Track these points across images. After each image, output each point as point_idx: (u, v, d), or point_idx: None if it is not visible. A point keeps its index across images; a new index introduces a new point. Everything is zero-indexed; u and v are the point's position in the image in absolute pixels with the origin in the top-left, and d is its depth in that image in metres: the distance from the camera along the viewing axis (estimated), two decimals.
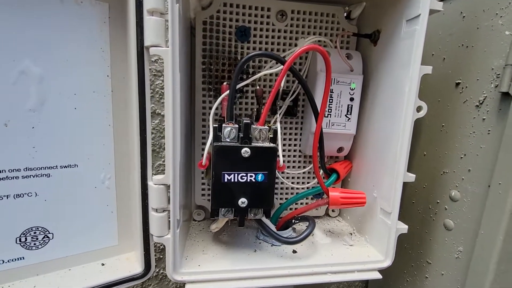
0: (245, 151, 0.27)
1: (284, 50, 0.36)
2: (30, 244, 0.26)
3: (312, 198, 0.40)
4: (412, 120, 0.28)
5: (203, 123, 0.36)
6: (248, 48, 0.35)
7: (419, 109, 0.29)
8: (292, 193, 0.39)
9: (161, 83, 0.44)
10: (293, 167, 0.39)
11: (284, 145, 0.38)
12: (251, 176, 0.27)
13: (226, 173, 0.27)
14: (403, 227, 0.31)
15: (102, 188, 0.29)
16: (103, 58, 0.27)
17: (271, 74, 0.35)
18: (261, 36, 0.35)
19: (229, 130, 0.27)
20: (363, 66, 0.35)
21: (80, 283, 0.27)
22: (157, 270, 0.50)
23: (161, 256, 0.49)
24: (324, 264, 0.31)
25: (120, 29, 0.27)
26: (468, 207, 0.31)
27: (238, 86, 0.30)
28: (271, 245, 0.34)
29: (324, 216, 0.42)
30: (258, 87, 0.34)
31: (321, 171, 0.36)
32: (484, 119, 0.30)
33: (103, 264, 0.29)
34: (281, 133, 0.37)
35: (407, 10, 0.28)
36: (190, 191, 0.38)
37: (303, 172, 0.39)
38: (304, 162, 0.39)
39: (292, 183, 0.39)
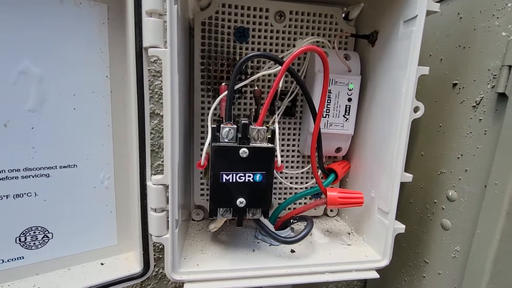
0: (243, 152, 0.27)
1: (282, 51, 0.36)
2: (29, 243, 0.26)
3: (310, 198, 0.40)
4: (409, 121, 0.28)
5: (202, 124, 0.36)
6: (246, 49, 0.35)
7: (416, 109, 0.29)
8: (290, 193, 0.40)
9: (160, 84, 0.44)
10: (292, 167, 0.39)
11: (282, 145, 0.38)
12: (249, 176, 0.27)
13: (225, 173, 0.27)
14: (401, 227, 0.31)
15: (101, 188, 0.29)
16: (102, 59, 0.27)
17: (269, 75, 0.36)
18: (259, 37, 0.35)
19: (227, 130, 0.27)
20: (361, 66, 0.35)
21: (80, 282, 0.27)
22: (156, 269, 0.50)
23: (160, 256, 0.49)
24: (322, 264, 0.31)
25: (119, 30, 0.27)
26: (465, 207, 0.32)
27: (237, 86, 0.30)
28: (270, 245, 0.34)
29: (322, 216, 0.42)
30: (256, 88, 0.34)
31: (319, 171, 0.36)
32: (480, 119, 0.30)
33: (102, 264, 0.30)
34: (279, 133, 0.37)
35: (404, 11, 0.29)
36: (189, 191, 0.38)
37: (302, 172, 0.39)
38: (303, 162, 0.39)
39: (291, 183, 0.39)
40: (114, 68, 0.28)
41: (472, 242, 0.30)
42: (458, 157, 0.33)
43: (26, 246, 0.26)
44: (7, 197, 0.25)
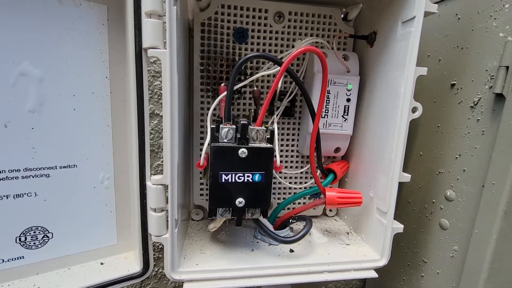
0: (242, 152, 0.27)
1: (281, 51, 0.36)
2: (29, 243, 0.26)
3: (309, 198, 0.40)
4: (408, 121, 0.29)
5: (201, 124, 0.36)
6: (246, 49, 0.35)
7: (414, 110, 0.29)
8: (289, 193, 0.40)
9: (159, 84, 0.44)
10: (291, 167, 0.39)
11: (281, 145, 0.38)
12: (248, 176, 0.27)
13: (224, 173, 0.27)
14: (399, 227, 0.31)
15: (101, 188, 0.29)
16: (101, 60, 0.27)
17: (268, 75, 0.36)
18: (258, 38, 0.35)
19: (227, 130, 0.27)
20: (359, 67, 0.35)
21: (79, 282, 0.27)
22: (156, 269, 0.50)
23: (160, 255, 0.49)
24: (321, 263, 0.31)
25: (119, 31, 0.27)
26: (463, 207, 0.32)
27: (236, 87, 0.31)
28: (269, 245, 0.34)
29: (321, 216, 0.43)
30: (255, 88, 0.34)
31: (318, 171, 0.36)
32: (478, 119, 0.30)
33: (102, 263, 0.30)
34: (278, 133, 0.38)
35: (402, 12, 0.29)
36: (189, 191, 0.38)
37: (301, 172, 0.39)
38: (302, 162, 0.40)
39: (290, 183, 0.39)
40: (114, 69, 0.28)
41: (470, 241, 0.30)
42: (456, 157, 0.33)
43: (26, 246, 0.26)
44: (7, 197, 0.25)
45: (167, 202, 0.27)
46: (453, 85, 0.33)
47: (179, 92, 0.27)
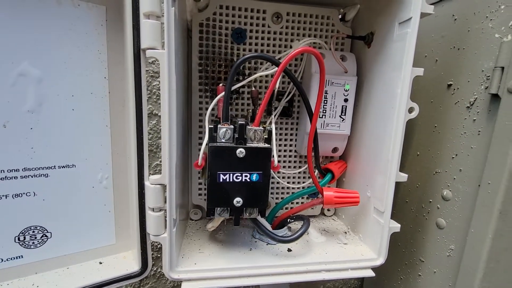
0: (240, 152, 0.27)
1: (279, 52, 0.36)
2: (28, 243, 0.27)
3: (307, 198, 0.41)
4: (404, 121, 0.29)
5: (200, 124, 0.36)
6: (244, 50, 0.36)
7: (411, 110, 0.29)
8: (287, 193, 0.40)
9: (158, 84, 0.44)
10: (289, 167, 0.39)
11: (279, 145, 0.39)
12: (246, 176, 0.28)
13: (222, 173, 0.27)
14: (396, 226, 0.31)
15: (99, 188, 0.29)
16: (100, 60, 0.27)
17: (266, 76, 0.36)
18: (256, 38, 0.35)
19: (225, 130, 0.27)
20: (357, 67, 0.35)
21: (78, 281, 0.27)
22: (155, 268, 0.50)
23: (159, 255, 0.49)
24: (319, 262, 0.31)
25: (117, 32, 0.27)
26: (459, 206, 0.32)
27: (234, 87, 0.31)
28: (267, 244, 0.34)
29: (319, 215, 0.43)
30: (253, 89, 0.34)
31: (316, 171, 0.36)
32: (474, 120, 0.30)
33: (100, 263, 0.30)
34: (276, 133, 0.38)
35: (399, 13, 0.29)
36: (187, 191, 0.38)
37: (299, 172, 0.40)
38: (300, 162, 0.40)
39: (288, 182, 0.39)
40: (112, 69, 0.28)
41: (466, 240, 0.30)
42: (453, 157, 0.33)
43: (25, 245, 0.27)
44: (6, 196, 0.25)
45: (165, 202, 0.27)
46: (449, 85, 0.34)
47: (177, 93, 0.27)
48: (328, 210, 0.43)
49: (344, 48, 0.38)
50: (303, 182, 0.40)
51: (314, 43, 0.36)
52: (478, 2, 0.30)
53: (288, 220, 0.36)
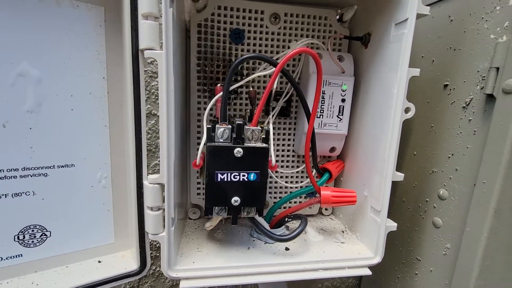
0: (238, 151, 0.27)
1: (277, 52, 0.36)
2: (28, 241, 0.27)
3: (305, 197, 0.41)
4: (401, 121, 0.29)
5: (198, 124, 0.37)
6: (242, 50, 0.36)
7: (407, 110, 0.29)
8: (285, 192, 0.40)
9: (157, 84, 0.44)
10: (287, 166, 0.40)
11: (277, 145, 0.39)
12: (243, 175, 0.28)
13: (220, 173, 0.28)
14: (392, 225, 0.32)
15: (98, 187, 0.29)
16: (99, 61, 0.27)
17: (264, 76, 0.36)
18: (255, 39, 0.36)
19: (222, 130, 0.28)
20: (354, 68, 0.36)
21: (77, 279, 0.27)
22: (154, 268, 0.50)
23: (158, 254, 0.49)
24: (316, 261, 0.32)
25: (116, 32, 0.27)
26: (455, 205, 0.32)
27: (232, 87, 0.31)
28: (265, 243, 0.35)
29: (317, 215, 0.43)
30: (251, 89, 0.34)
31: (314, 171, 0.37)
32: (470, 120, 0.31)
33: (99, 261, 0.30)
34: (274, 133, 0.38)
35: (395, 14, 0.29)
36: (186, 190, 0.38)
37: (297, 172, 0.40)
38: (298, 162, 0.40)
39: (286, 182, 0.40)
40: (111, 70, 0.28)
41: (462, 239, 0.31)
42: (449, 157, 0.33)
43: (24, 244, 0.27)
44: (5, 196, 0.25)
45: (163, 201, 0.27)
46: (446, 85, 0.34)
47: (176, 93, 0.27)
48: (326, 209, 0.43)
49: (341, 48, 0.38)
50: (301, 182, 0.40)
51: (311, 43, 0.36)
52: (473, 3, 0.31)
53: (286, 219, 0.36)
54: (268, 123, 0.35)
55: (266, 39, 0.36)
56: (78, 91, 0.27)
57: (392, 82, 0.29)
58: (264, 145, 0.29)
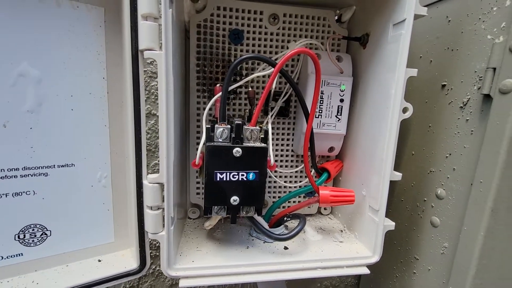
0: (237, 151, 0.28)
1: (276, 53, 0.37)
2: (28, 241, 0.27)
3: (304, 197, 0.41)
4: (398, 121, 0.29)
5: (198, 124, 0.37)
6: (241, 51, 0.36)
7: (405, 110, 0.30)
8: (284, 192, 0.40)
9: (156, 85, 0.44)
10: (286, 166, 0.40)
11: (277, 145, 0.39)
12: (242, 175, 0.28)
13: (219, 172, 0.28)
14: (390, 224, 0.32)
15: (98, 186, 0.30)
16: (99, 61, 0.28)
17: (263, 76, 0.36)
18: (254, 39, 0.36)
19: (221, 130, 0.28)
20: (353, 68, 0.36)
21: (77, 278, 0.28)
22: (153, 267, 0.51)
23: (157, 254, 0.49)
24: (314, 260, 0.32)
25: (116, 33, 0.27)
26: (452, 205, 0.33)
27: (231, 87, 0.31)
28: (263, 242, 0.35)
29: (316, 214, 0.43)
30: (250, 89, 0.35)
31: (313, 170, 0.37)
32: (467, 120, 0.31)
33: (99, 261, 0.30)
34: (273, 133, 0.38)
35: (393, 14, 0.29)
36: (185, 190, 0.39)
37: (296, 171, 0.40)
38: (297, 161, 0.40)
39: (285, 182, 0.40)
40: (111, 70, 0.28)
41: (459, 238, 0.31)
42: (447, 156, 0.34)
43: (25, 243, 0.27)
44: (6, 195, 0.25)
45: (163, 200, 0.27)
46: (443, 85, 0.34)
47: (175, 93, 0.27)
48: (325, 209, 0.43)
49: (340, 49, 0.38)
50: (300, 181, 0.40)
51: (310, 44, 0.36)
52: (471, 4, 0.31)
53: (285, 218, 0.36)
54: (267, 123, 0.35)
55: (265, 40, 0.36)
56: (78, 91, 0.27)
57: (390, 83, 0.30)
58: (262, 145, 0.29)
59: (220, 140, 0.28)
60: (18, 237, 0.27)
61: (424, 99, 0.37)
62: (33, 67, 0.25)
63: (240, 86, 0.35)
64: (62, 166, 0.27)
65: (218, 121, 0.29)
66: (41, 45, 0.25)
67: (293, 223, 0.38)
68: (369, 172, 0.33)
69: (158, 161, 0.47)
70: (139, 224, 0.28)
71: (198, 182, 0.39)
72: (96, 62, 0.28)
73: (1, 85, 0.24)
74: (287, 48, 0.36)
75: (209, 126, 0.28)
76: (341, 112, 0.36)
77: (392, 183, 0.31)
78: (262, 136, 0.29)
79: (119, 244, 0.32)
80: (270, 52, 0.37)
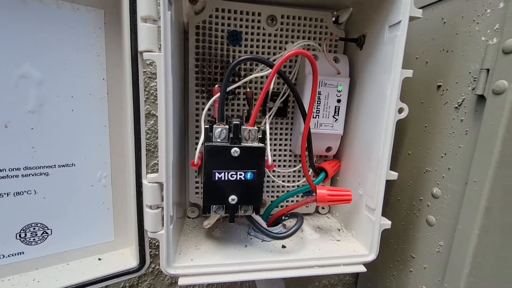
0: (235, 151, 0.28)
1: (274, 54, 0.37)
2: (29, 239, 0.27)
3: (302, 196, 0.41)
4: (394, 121, 0.30)
5: (197, 124, 0.37)
6: (239, 52, 0.36)
7: (400, 110, 0.30)
8: (282, 191, 0.41)
9: (155, 85, 0.45)
10: (284, 166, 0.40)
11: (275, 144, 0.39)
12: (240, 174, 0.29)
13: (217, 172, 0.28)
14: (387, 223, 0.32)
15: (98, 186, 0.30)
16: (99, 62, 0.28)
17: (262, 77, 0.37)
18: (252, 40, 0.36)
19: (220, 130, 0.28)
20: (350, 69, 0.36)
21: (78, 276, 0.28)
22: (153, 266, 0.51)
23: (157, 253, 0.50)
24: (312, 258, 0.32)
25: (115, 35, 0.28)
26: (448, 204, 0.33)
27: (229, 88, 0.32)
28: (262, 241, 0.35)
29: (314, 213, 0.44)
30: (248, 90, 0.35)
31: (310, 170, 0.37)
32: (462, 120, 0.31)
33: (99, 259, 0.31)
34: (271, 133, 0.39)
35: (389, 16, 0.30)
36: (185, 189, 0.39)
37: (293, 171, 0.40)
38: (295, 161, 0.41)
39: (283, 181, 0.40)
40: (111, 71, 0.29)
41: (454, 237, 0.31)
42: (442, 156, 0.34)
43: (26, 242, 0.27)
44: (7, 194, 0.26)
45: (162, 200, 0.28)
46: (439, 86, 0.35)
47: (174, 94, 0.28)
48: (323, 208, 0.44)
49: (337, 50, 0.39)
50: (298, 181, 0.41)
51: (308, 45, 0.36)
52: (465, 6, 0.31)
53: (283, 217, 0.37)
54: (265, 123, 0.35)
55: (263, 41, 0.36)
56: (78, 92, 0.28)
57: (385, 83, 0.30)
58: (260, 144, 0.29)
59: (219, 140, 0.28)
60: (19, 236, 0.27)
61: (420, 100, 0.37)
62: (34, 69, 0.25)
63: (239, 87, 0.36)
64: (63, 166, 0.28)
65: (217, 121, 0.29)
66: (42, 47, 0.25)
67: (291, 222, 0.39)
68: (365, 172, 0.34)
69: (158, 161, 0.48)
70: (139, 223, 0.29)
71: (197, 182, 0.39)
72: (96, 63, 0.28)
73: (3, 86, 0.24)
74: (285, 49, 0.37)
75: (208, 126, 0.28)
76: (338, 112, 0.36)
77: (389, 183, 0.31)
78: (260, 136, 0.30)
79: (119, 243, 0.32)
80: (268, 53, 0.37)
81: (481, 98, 0.29)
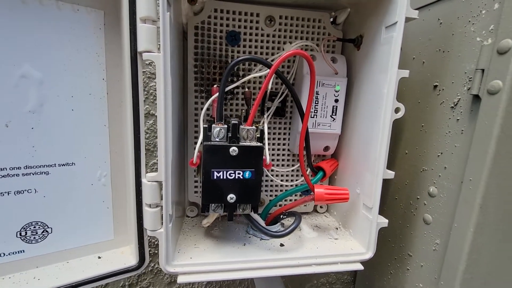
0: (233, 150, 0.28)
1: (272, 54, 0.37)
2: (30, 238, 0.28)
3: (300, 195, 0.42)
4: (391, 121, 0.30)
5: (196, 123, 0.37)
6: (238, 52, 0.37)
7: (397, 110, 0.30)
8: (281, 190, 0.41)
9: (155, 85, 0.45)
10: (282, 165, 0.41)
11: (273, 144, 0.40)
12: (239, 173, 0.29)
13: (216, 171, 0.28)
14: (384, 221, 0.33)
15: (98, 185, 0.30)
16: (98, 63, 0.28)
17: (260, 77, 0.37)
18: (250, 41, 0.37)
19: (218, 130, 0.29)
20: (347, 69, 0.37)
21: (78, 275, 0.28)
22: (152, 264, 0.51)
23: (156, 251, 0.50)
24: (309, 256, 0.33)
25: (115, 35, 0.28)
26: (444, 202, 0.33)
27: (228, 88, 0.32)
28: (260, 239, 0.36)
29: (312, 212, 0.44)
30: (247, 89, 0.35)
31: (308, 169, 0.38)
32: (458, 119, 0.32)
33: (99, 257, 0.31)
34: (270, 132, 0.39)
35: (385, 17, 0.30)
36: (184, 189, 0.39)
37: (292, 170, 0.41)
38: (293, 160, 0.41)
39: (281, 180, 0.41)
40: (110, 71, 0.29)
41: (450, 235, 0.32)
42: (438, 155, 0.34)
43: (26, 240, 0.28)
44: (8, 193, 0.26)
45: (161, 199, 0.28)
46: (435, 86, 0.35)
47: (173, 94, 0.28)
48: (321, 207, 0.44)
49: (335, 50, 0.39)
50: (296, 180, 0.41)
51: (305, 45, 0.37)
52: (461, 7, 0.32)
53: (281, 216, 0.37)
54: (263, 122, 0.36)
55: (262, 41, 0.37)
56: (78, 92, 0.28)
57: (382, 83, 0.30)
58: (258, 144, 0.29)
59: (217, 139, 0.29)
60: (20, 234, 0.27)
61: (417, 99, 0.38)
62: (34, 69, 0.26)
63: (237, 87, 0.36)
64: (63, 165, 0.28)
65: (215, 121, 0.29)
66: (42, 47, 0.26)
67: (289, 221, 0.39)
68: (363, 171, 0.34)
69: (157, 160, 0.48)
70: (138, 222, 0.29)
71: (196, 181, 0.39)
72: (96, 63, 0.28)
73: (4, 86, 0.25)
74: (283, 49, 0.37)
75: (207, 125, 0.29)
76: (336, 112, 0.37)
77: (386, 182, 0.31)
78: (258, 135, 0.30)
79: (118, 241, 0.32)
80: (267, 54, 0.37)
81: (477, 98, 0.29)
